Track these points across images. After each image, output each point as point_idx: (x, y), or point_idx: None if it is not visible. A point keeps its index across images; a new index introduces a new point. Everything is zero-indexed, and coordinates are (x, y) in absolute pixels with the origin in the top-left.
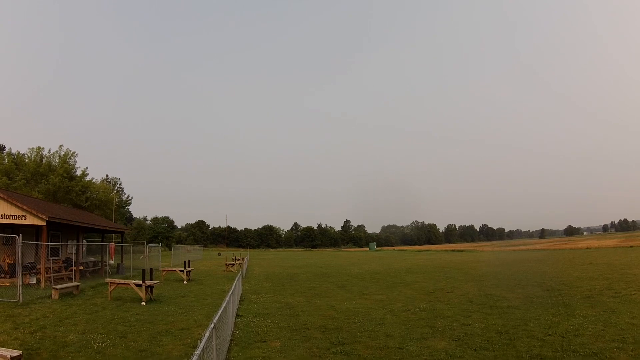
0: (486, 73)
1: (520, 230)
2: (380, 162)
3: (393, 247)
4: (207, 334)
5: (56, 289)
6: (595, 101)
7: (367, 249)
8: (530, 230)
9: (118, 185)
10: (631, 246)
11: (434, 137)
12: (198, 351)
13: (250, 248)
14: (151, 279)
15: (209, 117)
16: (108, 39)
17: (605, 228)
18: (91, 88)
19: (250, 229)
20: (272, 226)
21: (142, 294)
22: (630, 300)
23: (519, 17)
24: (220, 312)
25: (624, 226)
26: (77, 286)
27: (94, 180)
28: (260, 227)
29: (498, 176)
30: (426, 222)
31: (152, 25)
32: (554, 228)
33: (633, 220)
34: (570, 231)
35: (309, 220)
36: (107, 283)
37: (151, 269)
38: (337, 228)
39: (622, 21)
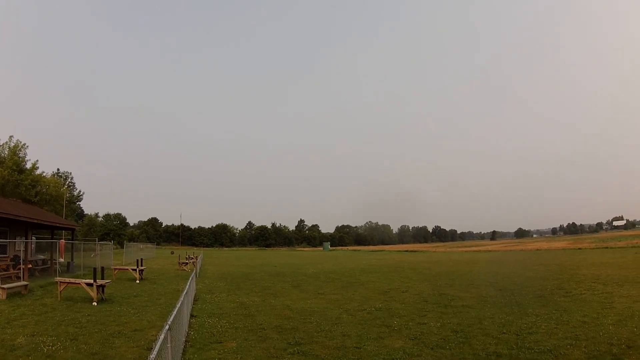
0: (443, 78)
1: (472, 232)
2: (336, 161)
3: (347, 247)
4: (162, 336)
5: (3, 288)
6: (547, 104)
7: (321, 248)
8: (482, 232)
9: (69, 180)
10: (579, 248)
11: (387, 139)
12: (153, 354)
13: (203, 247)
14: (103, 278)
15: (160, 110)
16: (60, 27)
17: (554, 231)
18: (43, 78)
19: (204, 227)
20: (226, 225)
21: (93, 293)
22: (580, 300)
23: (482, 22)
24: (174, 312)
25: (572, 229)
26: (26, 285)
27: (44, 174)
28: (214, 226)
29: (450, 179)
30: (380, 223)
31: (107, 15)
32: (504, 230)
33: (581, 224)
34: (521, 233)
35: (263, 219)
36: (57, 282)
37: (102, 268)
38: (292, 227)
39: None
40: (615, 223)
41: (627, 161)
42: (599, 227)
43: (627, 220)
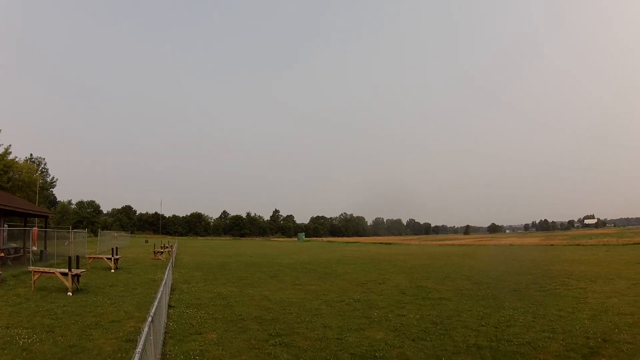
0: (425, 77)
1: (446, 226)
2: (310, 153)
3: (321, 238)
4: (146, 328)
5: None
6: (524, 103)
7: (296, 239)
8: (455, 227)
9: (42, 166)
10: (552, 245)
11: (362, 133)
12: (139, 348)
13: (178, 236)
14: (77, 267)
15: (135, 97)
16: (33, 8)
17: (526, 227)
18: (15, 61)
19: (178, 216)
20: (200, 214)
21: (68, 283)
22: (555, 294)
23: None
24: (155, 303)
25: (544, 226)
26: None
27: (17, 160)
28: (188, 215)
29: (424, 173)
30: (354, 215)
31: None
32: (478, 225)
33: (553, 221)
34: (494, 228)
35: (238, 208)
36: (30, 272)
37: (77, 257)
38: (266, 217)
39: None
40: (587, 221)
41: (599, 161)
42: (570, 224)
43: (598, 219)
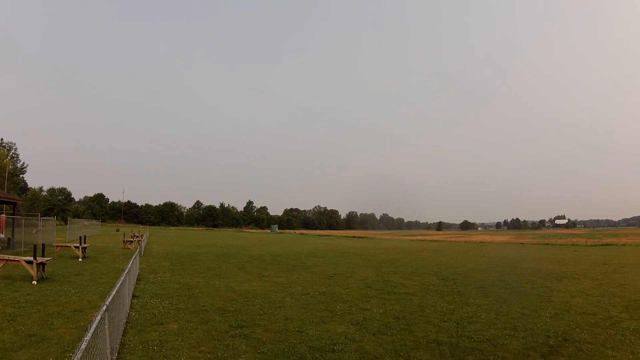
0: (411, 74)
1: (419, 222)
2: (285, 145)
3: (294, 231)
4: (98, 317)
5: None
6: (500, 103)
7: (269, 231)
8: (428, 222)
9: (13, 151)
10: (522, 243)
11: (342, 127)
12: (87, 336)
13: (150, 225)
14: (43, 256)
15: (110, 81)
16: None
17: (498, 225)
18: None
19: (151, 205)
20: (173, 203)
21: (33, 272)
22: (520, 292)
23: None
24: (113, 293)
25: (516, 225)
26: None
27: None
28: (161, 204)
29: (399, 169)
30: (328, 208)
31: None
32: (450, 222)
33: (524, 220)
34: (466, 225)
35: (212, 199)
36: None
37: (43, 245)
38: (240, 208)
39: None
40: (557, 221)
41: (572, 163)
42: (541, 224)
43: (569, 220)
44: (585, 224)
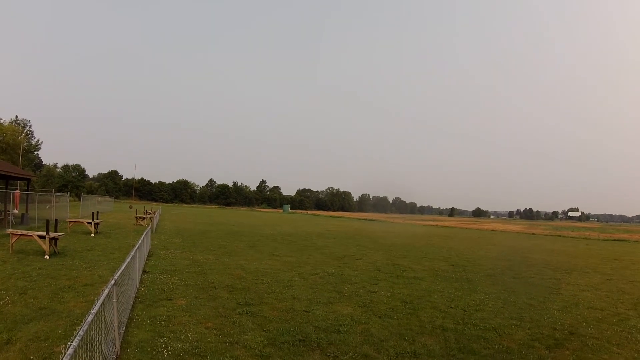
0: (426, 57)
1: (431, 207)
2: (302, 124)
3: (307, 211)
4: (106, 291)
5: None
6: (517, 96)
7: (281, 210)
8: (441, 208)
9: (28, 128)
10: (533, 233)
11: (359, 106)
12: (94, 309)
13: (163, 202)
14: (56, 231)
15: (126, 59)
16: None
17: (510, 214)
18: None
19: (164, 183)
20: (187, 181)
21: (45, 246)
22: (529, 283)
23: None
24: (122, 267)
25: (529, 215)
26: None
27: (1, 122)
28: (174, 181)
29: (414, 153)
30: (341, 190)
31: None
32: (463, 208)
33: (537, 211)
34: (478, 213)
35: (225, 177)
36: (8, 234)
37: (56, 220)
38: (253, 187)
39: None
40: (571, 214)
41: (589, 156)
42: (554, 215)
43: (582, 213)
44: (599, 218)
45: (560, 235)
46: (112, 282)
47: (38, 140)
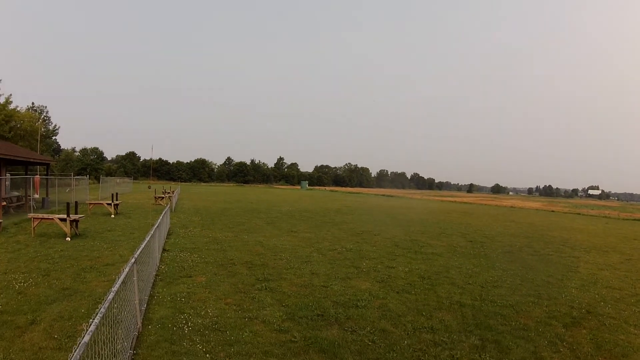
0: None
1: (450, 183)
2: (319, 102)
3: (325, 187)
4: (126, 269)
5: None
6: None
7: (299, 187)
8: (459, 184)
9: (44, 114)
10: (552, 210)
11: (371, 82)
12: (115, 287)
13: (181, 181)
14: (76, 213)
15: (141, 41)
16: None
17: (530, 191)
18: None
19: (182, 162)
20: (204, 160)
21: (66, 228)
22: (547, 260)
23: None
24: (142, 246)
25: (548, 192)
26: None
27: (18, 109)
28: (192, 160)
29: (433, 128)
30: (359, 166)
31: None
32: (482, 184)
33: (557, 188)
34: (497, 189)
35: (243, 155)
36: (30, 219)
37: (76, 202)
38: (270, 165)
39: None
40: (591, 192)
41: (610, 134)
42: (574, 193)
43: (602, 191)
44: (619, 197)
45: (579, 213)
46: (133, 260)
47: (55, 125)
